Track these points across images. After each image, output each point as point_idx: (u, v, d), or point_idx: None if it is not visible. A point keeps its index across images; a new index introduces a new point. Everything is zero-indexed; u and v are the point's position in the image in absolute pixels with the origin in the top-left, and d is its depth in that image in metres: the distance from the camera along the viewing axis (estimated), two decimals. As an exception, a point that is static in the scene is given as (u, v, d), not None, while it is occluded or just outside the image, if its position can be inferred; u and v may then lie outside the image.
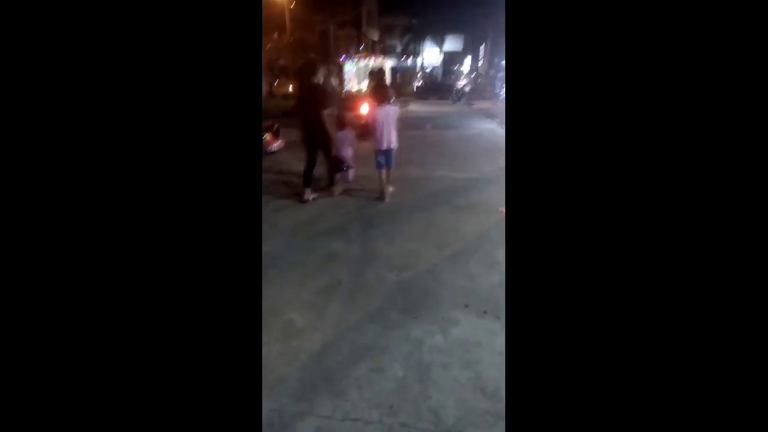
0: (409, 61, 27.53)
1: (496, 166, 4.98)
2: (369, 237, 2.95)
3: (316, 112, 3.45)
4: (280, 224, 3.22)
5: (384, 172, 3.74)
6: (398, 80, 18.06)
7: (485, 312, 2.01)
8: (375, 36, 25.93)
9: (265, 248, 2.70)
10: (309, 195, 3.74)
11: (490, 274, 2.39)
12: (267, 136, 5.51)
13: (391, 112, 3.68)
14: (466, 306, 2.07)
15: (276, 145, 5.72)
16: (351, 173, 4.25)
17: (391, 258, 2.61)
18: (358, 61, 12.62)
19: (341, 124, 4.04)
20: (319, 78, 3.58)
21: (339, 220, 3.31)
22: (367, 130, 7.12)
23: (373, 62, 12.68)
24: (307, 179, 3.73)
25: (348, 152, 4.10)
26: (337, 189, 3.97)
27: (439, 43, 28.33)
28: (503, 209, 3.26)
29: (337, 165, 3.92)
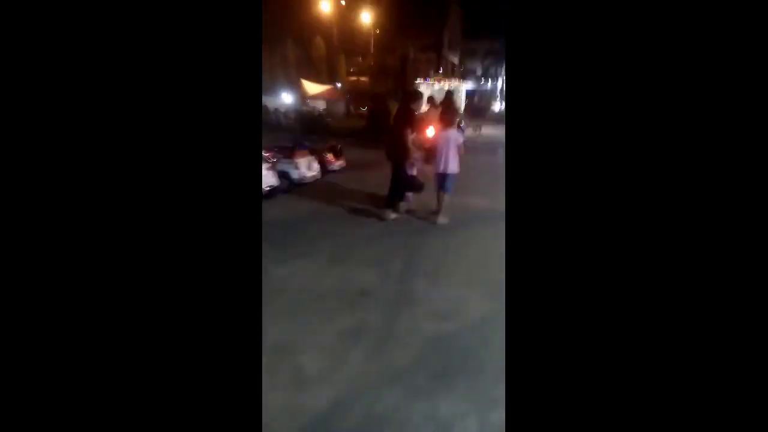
0: (489, 84, 26.97)
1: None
2: (411, 273, 2.64)
3: (404, 133, 3.54)
4: (318, 245, 3.08)
5: (441, 194, 3.64)
6: (476, 102, 17.66)
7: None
8: (455, 59, 26.01)
9: (294, 276, 2.55)
10: (391, 214, 3.71)
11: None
12: (329, 155, 5.62)
13: (452, 136, 3.61)
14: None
15: (338, 164, 5.77)
16: (410, 195, 4.06)
17: (432, 302, 2.27)
18: (432, 84, 12.60)
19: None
20: (420, 106, 3.75)
21: (381, 247, 3.06)
22: (431, 154, 6.96)
23: (447, 85, 12.58)
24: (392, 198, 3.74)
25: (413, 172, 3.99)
26: (402, 207, 3.85)
27: (522, 66, 27.16)
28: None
29: (410, 184, 3.79)
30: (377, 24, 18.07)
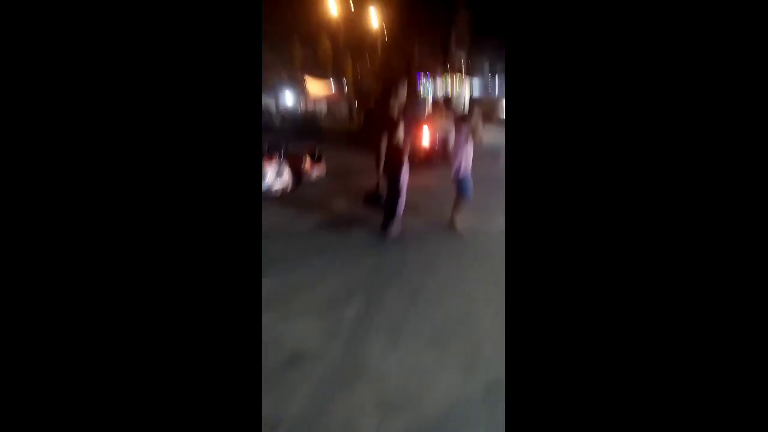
0: (497, 86, 26.17)
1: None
2: (365, 329, 2.01)
3: (377, 137, 2.94)
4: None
5: (458, 200, 3.36)
6: (482, 104, 16.95)
7: None
8: (462, 58, 25.32)
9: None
10: (394, 228, 3.16)
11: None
12: (306, 162, 4.85)
13: (463, 137, 3.21)
14: None
15: (316, 173, 5.00)
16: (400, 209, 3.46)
17: (384, 380, 1.65)
18: (435, 82, 11.95)
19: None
20: (399, 101, 2.99)
21: (333, 287, 2.44)
22: (430, 157, 6.33)
23: (450, 88, 11.93)
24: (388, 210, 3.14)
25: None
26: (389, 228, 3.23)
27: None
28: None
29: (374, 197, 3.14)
30: (385, 24, 17.64)
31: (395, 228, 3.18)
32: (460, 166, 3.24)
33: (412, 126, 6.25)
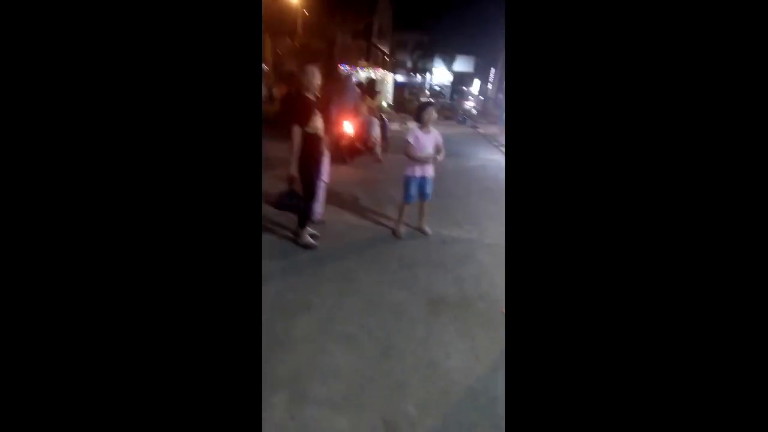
0: (419, 77, 26.81)
1: (501, 219, 3.69)
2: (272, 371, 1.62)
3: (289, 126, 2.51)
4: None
5: (419, 204, 3.19)
6: (405, 95, 17.10)
7: None
8: (386, 49, 25.29)
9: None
10: (307, 236, 2.80)
11: None
12: None
13: (432, 135, 3.02)
14: None
15: None
16: (318, 209, 3.09)
17: None
18: (358, 71, 11.57)
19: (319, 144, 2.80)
20: (310, 84, 2.54)
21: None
22: (352, 151, 5.98)
23: (374, 73, 11.69)
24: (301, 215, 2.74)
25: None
26: (302, 238, 2.79)
27: (450, 62, 27.59)
28: (504, 309, 1.98)
29: (288, 198, 2.63)
30: (306, 4, 16.63)
31: (307, 235, 2.81)
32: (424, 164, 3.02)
33: (336, 113, 5.83)
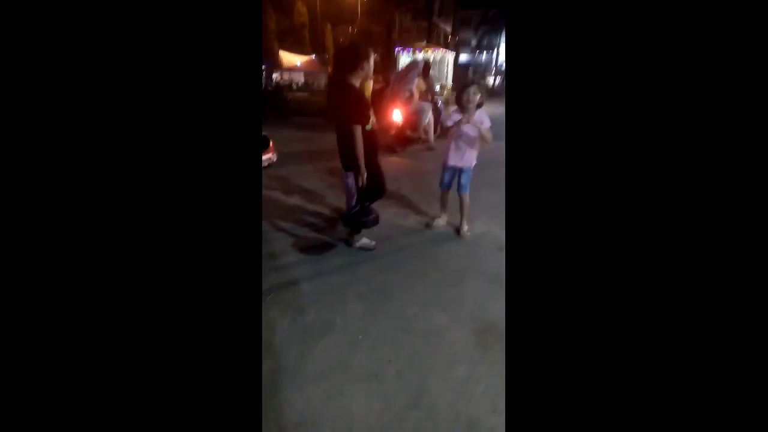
0: (484, 55, 25.09)
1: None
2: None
3: (346, 125, 2.12)
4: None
5: (460, 195, 2.72)
6: (469, 76, 16.04)
7: None
8: (448, 27, 23.99)
9: None
10: (360, 241, 2.55)
11: None
12: None
13: (476, 118, 2.47)
14: None
15: (265, 158, 4.29)
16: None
17: None
18: (415, 52, 10.97)
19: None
20: (362, 74, 2.15)
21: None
22: (402, 139, 5.58)
23: (432, 55, 11.00)
24: (349, 220, 2.42)
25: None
26: (357, 241, 2.54)
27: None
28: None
29: (361, 208, 2.34)
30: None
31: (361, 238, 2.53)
32: (464, 153, 2.60)
33: (389, 103, 5.43)
